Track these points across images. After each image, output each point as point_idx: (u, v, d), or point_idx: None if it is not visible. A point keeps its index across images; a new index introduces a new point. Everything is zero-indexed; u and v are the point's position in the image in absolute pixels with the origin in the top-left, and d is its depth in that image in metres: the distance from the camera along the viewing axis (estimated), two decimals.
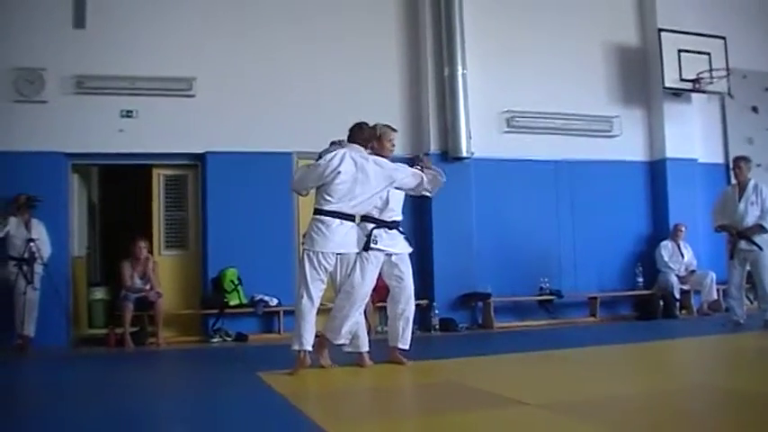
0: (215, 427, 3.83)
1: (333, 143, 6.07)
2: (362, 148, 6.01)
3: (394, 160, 6.32)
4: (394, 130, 6.37)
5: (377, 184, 5.88)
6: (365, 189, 5.82)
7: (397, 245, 6.15)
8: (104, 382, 6.07)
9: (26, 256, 8.41)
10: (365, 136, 6.08)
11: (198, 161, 9.74)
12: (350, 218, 5.84)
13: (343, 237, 5.78)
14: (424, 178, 6.15)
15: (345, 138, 6.09)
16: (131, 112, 9.38)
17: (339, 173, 5.76)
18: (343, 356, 6.13)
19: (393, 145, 6.31)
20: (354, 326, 5.93)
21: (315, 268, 5.76)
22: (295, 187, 6.25)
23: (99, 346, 8.87)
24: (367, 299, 6.09)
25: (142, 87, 9.38)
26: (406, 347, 6.12)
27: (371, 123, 6.23)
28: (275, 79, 9.85)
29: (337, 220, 5.77)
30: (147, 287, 9.03)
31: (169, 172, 9.90)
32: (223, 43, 9.72)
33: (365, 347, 6.00)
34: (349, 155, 5.86)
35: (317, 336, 5.86)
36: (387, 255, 6.08)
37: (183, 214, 9.88)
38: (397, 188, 6.12)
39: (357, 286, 5.86)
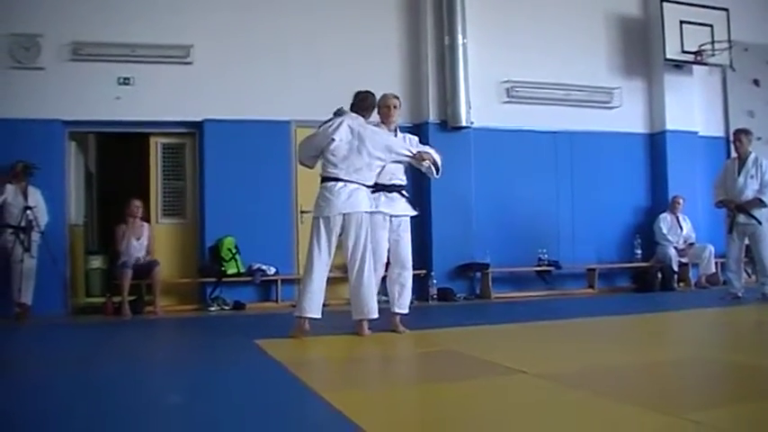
0: (212, 393, 3.82)
1: (336, 112, 6.08)
2: (362, 117, 6.04)
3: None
4: (395, 97, 6.37)
5: (375, 151, 5.88)
6: (362, 156, 5.84)
7: (395, 207, 6.15)
8: (102, 350, 6.07)
9: (23, 224, 8.35)
10: (366, 105, 6.13)
11: (196, 129, 9.69)
12: (353, 182, 5.83)
13: (346, 198, 5.79)
14: (425, 164, 6.14)
15: (348, 106, 6.12)
16: (128, 79, 9.30)
17: (333, 140, 5.84)
18: (339, 325, 6.15)
19: (390, 108, 6.26)
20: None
21: (322, 235, 5.81)
22: (300, 159, 6.36)
23: (96, 315, 8.88)
24: (382, 261, 6.17)
25: (139, 54, 9.30)
26: (403, 312, 6.13)
27: (372, 91, 6.23)
28: (274, 47, 9.76)
29: (340, 183, 5.81)
30: (143, 253, 9.05)
31: (167, 140, 9.85)
32: (221, 10, 9.63)
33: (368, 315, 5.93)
34: (346, 123, 5.93)
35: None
36: (387, 216, 6.11)
37: (181, 183, 9.84)
38: (396, 161, 6.10)
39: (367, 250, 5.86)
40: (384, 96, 6.31)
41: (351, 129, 5.91)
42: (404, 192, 6.29)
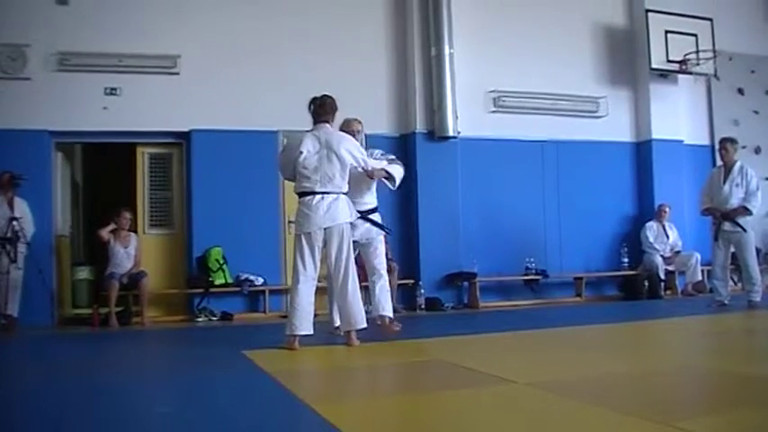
0: (201, 405, 3.81)
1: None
2: (328, 125, 6.02)
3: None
4: (358, 122, 6.60)
5: (346, 156, 5.86)
6: (333, 162, 5.82)
7: (355, 234, 6.17)
8: (90, 361, 6.02)
9: (9, 234, 8.30)
10: (326, 109, 6.03)
11: (183, 139, 9.67)
12: (330, 193, 5.83)
13: (325, 211, 5.78)
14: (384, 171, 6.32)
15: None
16: (115, 89, 9.28)
17: (300, 153, 5.82)
18: (328, 336, 6.15)
19: (354, 133, 6.37)
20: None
21: (305, 251, 5.80)
22: (283, 177, 6.49)
23: (83, 326, 8.83)
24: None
25: (126, 65, 9.29)
26: (388, 314, 6.33)
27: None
28: (261, 57, 9.78)
29: (317, 196, 5.80)
30: (131, 264, 9.03)
31: (153, 150, 9.83)
32: (207, 20, 9.63)
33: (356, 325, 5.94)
34: (311, 134, 5.94)
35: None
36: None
37: (168, 193, 9.81)
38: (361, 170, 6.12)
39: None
40: (347, 122, 6.44)
41: (317, 138, 5.89)
42: (369, 215, 6.39)
